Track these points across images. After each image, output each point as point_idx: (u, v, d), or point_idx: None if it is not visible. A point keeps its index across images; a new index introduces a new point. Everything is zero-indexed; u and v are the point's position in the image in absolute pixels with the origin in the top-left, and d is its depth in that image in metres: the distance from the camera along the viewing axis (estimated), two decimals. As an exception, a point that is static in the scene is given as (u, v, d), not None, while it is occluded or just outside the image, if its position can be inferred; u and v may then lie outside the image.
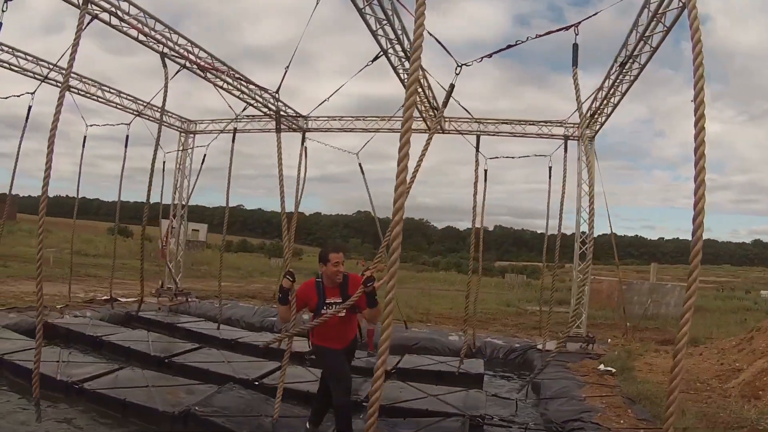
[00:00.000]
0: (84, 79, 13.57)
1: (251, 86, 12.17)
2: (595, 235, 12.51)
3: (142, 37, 9.87)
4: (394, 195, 2.53)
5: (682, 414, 7.50)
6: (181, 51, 10.66)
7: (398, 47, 9.20)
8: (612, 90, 11.01)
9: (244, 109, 12.91)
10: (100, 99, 14.08)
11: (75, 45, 5.51)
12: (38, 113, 12.27)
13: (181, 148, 16.98)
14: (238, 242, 70.51)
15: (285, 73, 8.40)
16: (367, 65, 9.18)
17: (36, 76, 12.19)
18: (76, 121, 14.19)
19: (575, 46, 6.63)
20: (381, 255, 5.61)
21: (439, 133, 13.96)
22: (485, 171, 12.26)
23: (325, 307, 5.61)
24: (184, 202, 17.52)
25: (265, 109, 13.64)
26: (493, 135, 14.11)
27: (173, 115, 16.74)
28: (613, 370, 10.39)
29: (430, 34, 8.34)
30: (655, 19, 8.05)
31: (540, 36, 7.07)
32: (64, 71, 12.36)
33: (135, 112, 14.50)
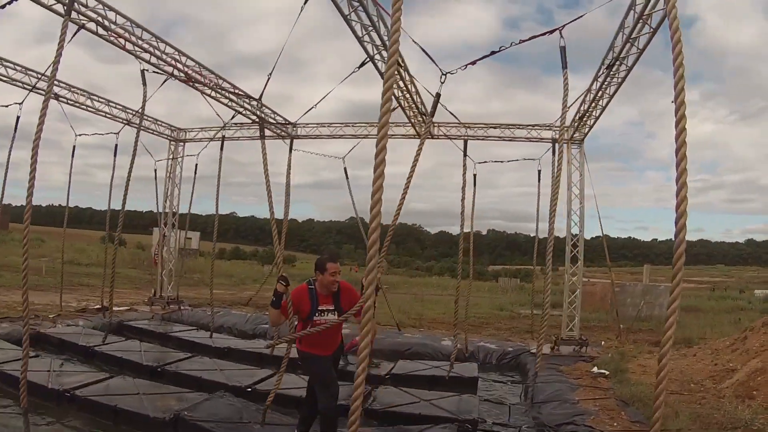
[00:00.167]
0: (72, 89, 13.53)
1: (239, 94, 12.14)
2: (589, 237, 12.61)
3: (129, 46, 9.85)
4: (371, 202, 2.52)
5: (676, 415, 7.50)
6: (169, 60, 10.65)
7: (385, 53, 9.19)
8: (600, 92, 11.02)
9: (233, 117, 12.91)
10: (89, 108, 14.04)
11: (58, 54, 5.49)
12: (28, 123, 12.24)
13: (170, 156, 16.94)
14: (231, 250, 70.43)
15: (267, 80, 8.43)
16: (354, 72, 9.17)
17: (25, 86, 12.17)
18: (67, 130, 14.32)
19: (563, 49, 6.64)
20: (381, 261, 5.62)
21: (428, 138, 13.98)
22: (474, 175, 12.28)
23: (317, 314, 5.62)
24: (174, 210, 17.48)
25: (253, 117, 13.63)
26: (481, 139, 14.14)
27: (163, 124, 16.73)
28: (607, 373, 10.37)
29: (415, 42, 8.39)
30: (641, 21, 8.07)
31: (523, 41, 7.08)
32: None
33: (124, 121, 14.48)
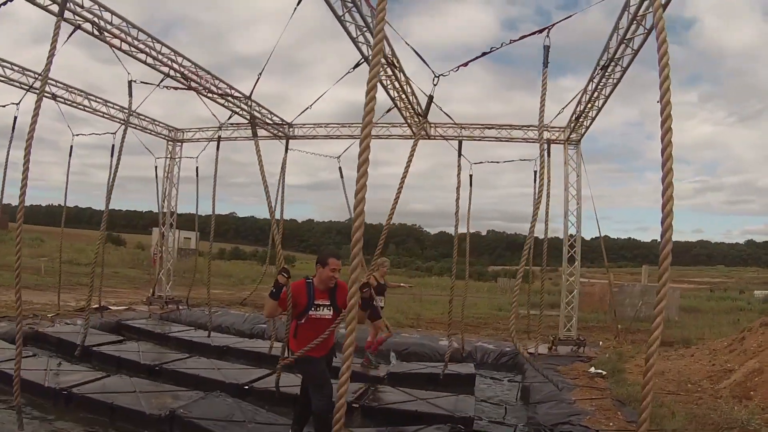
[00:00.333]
0: (70, 89, 13.54)
1: (234, 95, 12.17)
2: (589, 238, 12.63)
3: (125, 47, 9.87)
4: (354, 201, 2.53)
5: (672, 415, 7.51)
6: (165, 60, 10.68)
7: (381, 54, 9.19)
8: (595, 93, 11.02)
9: (230, 117, 12.93)
10: (86, 108, 14.07)
11: (51, 54, 5.50)
12: (26, 123, 12.20)
13: (168, 156, 16.97)
14: (230, 250, 70.42)
15: (258, 79, 8.46)
16: (349, 72, 9.16)
17: (22, 86, 12.18)
18: (66, 130, 14.23)
19: (546, 48, 6.65)
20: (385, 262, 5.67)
21: (423, 139, 14.01)
22: (470, 176, 12.28)
23: (313, 308, 5.69)
24: (173, 210, 17.52)
25: (250, 117, 13.66)
26: (477, 140, 14.15)
27: (160, 124, 16.77)
28: (604, 373, 10.37)
29: (408, 45, 8.40)
30: (635, 21, 8.09)
31: (513, 41, 7.09)
32: (49, 81, 12.48)
33: (121, 121, 14.48)
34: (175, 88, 10.98)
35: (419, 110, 12.00)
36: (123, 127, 10.25)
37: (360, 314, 5.82)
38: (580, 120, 12.59)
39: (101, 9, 9.26)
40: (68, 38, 8.86)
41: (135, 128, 15.60)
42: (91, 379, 8.12)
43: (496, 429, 7.82)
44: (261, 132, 15.41)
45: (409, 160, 7.24)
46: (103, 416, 7.04)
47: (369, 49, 9.11)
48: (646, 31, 8.14)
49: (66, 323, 12.78)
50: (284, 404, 7.70)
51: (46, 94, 12.35)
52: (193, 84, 11.27)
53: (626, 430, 7.24)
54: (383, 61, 9.42)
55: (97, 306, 14.71)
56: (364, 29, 8.56)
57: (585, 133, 13.36)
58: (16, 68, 12.03)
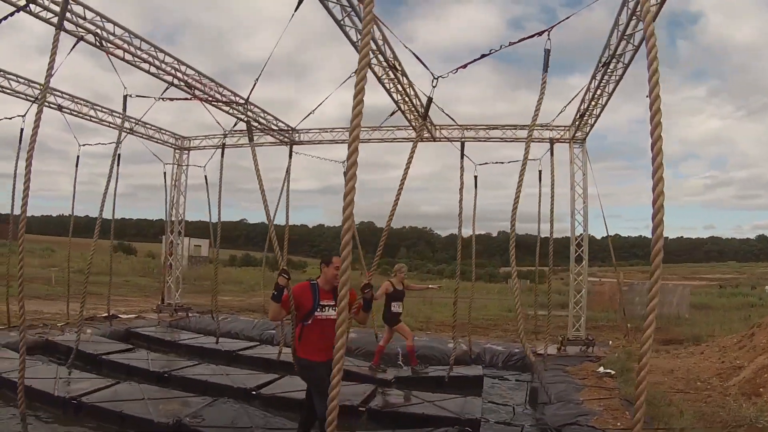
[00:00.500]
0: (75, 99, 13.64)
1: (239, 100, 12.22)
2: (600, 237, 12.59)
3: (128, 57, 9.95)
4: (343, 203, 2.55)
5: (680, 414, 7.47)
6: (168, 69, 10.76)
7: (381, 57, 9.22)
8: (599, 91, 10.99)
9: (235, 124, 12.96)
10: (93, 118, 14.16)
11: (50, 66, 5.57)
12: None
13: (175, 163, 17.06)
14: (241, 256, 70.47)
15: (254, 84, 8.52)
16: (351, 77, 9.17)
17: (28, 97, 12.28)
18: (74, 140, 14.22)
19: (547, 52, 6.62)
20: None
21: (425, 141, 14.02)
22: (475, 177, 12.26)
23: (319, 309, 5.71)
24: (180, 218, 17.61)
25: (255, 123, 13.71)
26: (481, 141, 14.15)
27: (166, 132, 16.88)
28: (613, 372, 10.32)
29: (406, 47, 8.41)
30: (634, 17, 8.05)
31: (513, 43, 7.09)
32: (55, 92, 12.59)
33: (126, 130, 14.56)
34: (172, 99, 11.02)
35: (422, 111, 12.03)
36: (123, 135, 10.29)
37: (362, 315, 5.98)
38: (585, 118, 12.55)
39: (103, 20, 9.35)
40: (71, 50, 8.97)
41: (141, 137, 15.79)
42: (100, 387, 8.18)
43: (503, 430, 7.79)
44: (266, 138, 15.49)
45: (409, 162, 7.25)
46: (113, 424, 7.09)
47: (370, 53, 9.11)
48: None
49: (75, 332, 12.84)
50: (291, 409, 7.72)
51: (51, 105, 12.69)
52: (196, 92, 11.34)
53: (634, 429, 7.19)
54: (384, 63, 9.46)
55: (106, 314, 14.83)
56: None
57: (590, 131, 13.32)
58: (21, 80, 12.12)
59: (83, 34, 8.98)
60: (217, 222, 12.71)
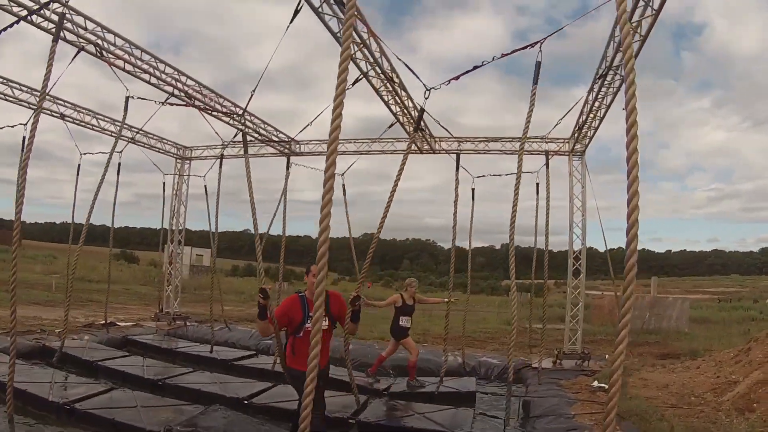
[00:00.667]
0: (78, 108, 13.76)
1: (239, 111, 12.32)
2: (602, 250, 12.57)
3: (129, 68, 10.07)
4: (320, 215, 2.61)
5: (671, 430, 7.47)
6: (168, 80, 10.89)
7: (378, 69, 9.31)
8: (597, 103, 11.01)
9: (235, 135, 13.03)
10: (95, 127, 14.28)
11: (47, 74, 5.71)
12: (40, 140, 12.45)
13: (176, 173, 17.20)
14: (243, 267, 70.46)
15: (251, 96, 8.59)
16: (348, 89, 9.22)
17: (31, 105, 12.40)
18: (82, 149, 14.30)
19: (538, 65, 6.67)
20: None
21: (425, 153, 14.11)
22: (473, 189, 12.34)
23: (309, 321, 5.74)
24: (180, 228, 17.72)
25: (255, 135, 13.83)
26: (481, 153, 14.22)
27: (168, 142, 17.00)
28: (607, 387, 10.27)
29: (399, 59, 8.50)
30: (630, 29, 8.08)
31: (505, 55, 7.12)
32: (58, 101, 12.72)
33: (126, 138, 14.66)
34: (172, 104, 11.12)
35: (423, 125, 12.13)
36: (124, 144, 10.38)
37: (350, 326, 6.06)
38: (583, 130, 12.60)
39: (104, 31, 9.48)
40: (72, 60, 9.11)
41: (143, 146, 15.90)
42: (94, 393, 8.26)
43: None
44: (267, 149, 15.59)
45: (399, 174, 7.34)
46: (105, 431, 7.15)
47: (367, 65, 9.23)
48: (642, 38, 8.15)
49: (73, 338, 12.93)
50: (282, 418, 7.76)
51: (54, 114, 12.81)
52: (196, 102, 11.44)
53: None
54: (382, 76, 9.54)
55: (104, 322, 14.91)
56: (361, 45, 8.66)
57: (589, 143, 13.36)
58: (24, 88, 12.25)
59: (84, 44, 9.11)
60: (215, 231, 12.74)
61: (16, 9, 7.96)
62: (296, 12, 7.31)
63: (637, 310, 22.05)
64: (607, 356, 14.17)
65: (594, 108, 11.30)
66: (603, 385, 10.41)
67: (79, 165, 14.19)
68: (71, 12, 8.67)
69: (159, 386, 9.61)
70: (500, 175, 12.69)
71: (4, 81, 12.03)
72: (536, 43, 6.47)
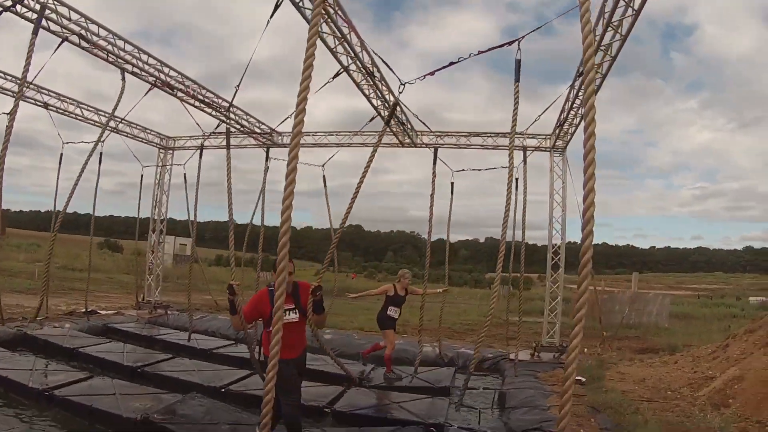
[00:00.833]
0: (62, 98, 13.71)
1: (223, 103, 12.33)
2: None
3: (111, 58, 10.05)
4: (282, 207, 2.66)
5: (645, 423, 7.57)
6: (151, 70, 10.87)
7: (359, 63, 9.34)
8: (577, 100, 11.06)
9: (217, 126, 13.03)
10: (78, 117, 14.23)
11: (26, 66, 5.75)
12: (27, 128, 12.39)
13: (159, 164, 17.16)
14: (227, 256, 70.28)
15: (236, 92, 8.60)
16: (328, 83, 9.26)
17: (14, 95, 12.30)
18: (66, 138, 14.20)
19: (518, 62, 6.72)
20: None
21: (406, 146, 14.17)
22: (452, 183, 12.46)
23: None
24: (162, 217, 17.72)
25: (237, 126, 13.83)
26: (462, 147, 14.30)
27: (152, 132, 16.96)
28: (583, 380, 10.41)
29: (375, 54, 8.55)
30: (610, 28, 8.15)
31: (482, 52, 7.19)
32: (42, 90, 12.67)
33: (111, 129, 14.60)
34: (165, 89, 11.10)
35: (404, 119, 12.19)
36: (107, 132, 10.33)
37: (315, 318, 5.99)
38: (564, 127, 12.69)
39: (87, 21, 9.47)
40: (55, 50, 9.15)
41: (126, 136, 15.87)
42: (74, 380, 8.35)
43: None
44: (248, 140, 15.59)
45: (367, 167, 7.40)
46: (82, 418, 7.22)
47: (348, 59, 9.27)
48: (622, 37, 8.22)
49: (54, 326, 12.96)
50: (259, 405, 7.79)
51: (37, 103, 12.75)
52: (179, 94, 11.44)
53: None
54: (363, 69, 9.57)
55: (85, 310, 14.90)
56: (342, 39, 8.69)
57: (570, 140, 13.45)
58: (8, 77, 12.16)
59: (68, 34, 9.09)
60: (194, 220, 12.69)
61: (-1, -1, 7.94)
62: (276, 6, 7.32)
63: (617, 304, 22.27)
64: (585, 350, 14.33)
65: (575, 105, 11.38)
66: (579, 377, 10.51)
67: (61, 154, 14.13)
68: (55, 2, 8.66)
69: (138, 373, 9.73)
70: (479, 170, 12.80)
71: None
72: (514, 41, 6.53)
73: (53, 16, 8.81)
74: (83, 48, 9.60)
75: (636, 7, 7.62)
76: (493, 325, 19.64)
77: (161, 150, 17.53)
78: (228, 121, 12.92)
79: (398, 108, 11.56)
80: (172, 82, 11.31)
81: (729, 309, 30.32)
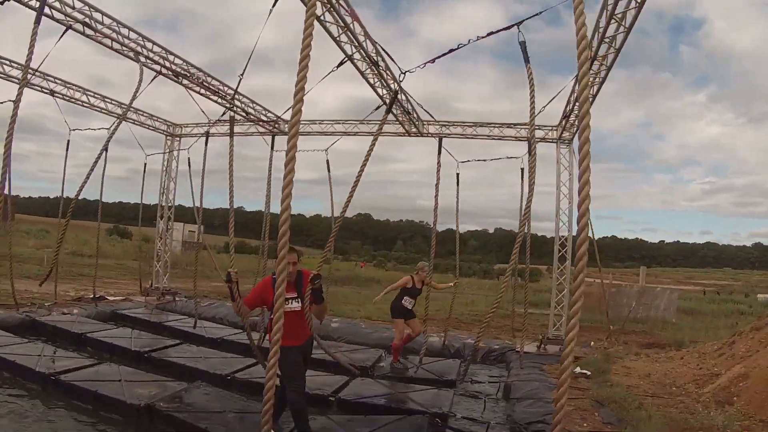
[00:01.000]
0: (68, 85, 13.73)
1: (229, 91, 12.31)
2: (597, 237, 12.56)
3: (116, 46, 10.04)
4: (282, 195, 2.65)
5: (648, 418, 7.53)
6: (156, 58, 10.87)
7: (363, 52, 9.28)
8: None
9: (223, 113, 13.01)
10: (85, 104, 14.26)
11: (29, 53, 5.77)
12: (34, 115, 12.45)
13: (166, 151, 17.20)
14: (236, 243, 70.51)
15: (240, 80, 8.58)
16: (332, 71, 9.22)
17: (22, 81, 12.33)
18: (75, 125, 14.23)
19: (522, 44, 6.66)
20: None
21: (412, 136, 14.13)
22: (457, 174, 12.44)
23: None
24: (170, 204, 17.77)
25: (243, 113, 13.82)
26: (468, 138, 14.22)
27: (158, 119, 17.02)
28: (589, 373, 10.40)
29: (376, 44, 8.46)
30: (613, 20, 8.05)
31: (481, 37, 7.16)
32: (48, 77, 12.69)
33: (117, 116, 14.63)
34: (172, 78, 11.08)
35: (409, 108, 12.12)
36: (112, 119, 10.33)
37: (315, 308, 5.94)
38: (570, 119, 12.61)
39: (91, 9, 9.47)
40: (60, 38, 9.19)
41: (133, 123, 15.89)
42: (80, 366, 8.41)
43: (470, 425, 7.85)
44: (255, 128, 15.58)
45: (368, 155, 7.34)
46: (87, 403, 7.26)
47: (352, 48, 9.21)
48: (626, 29, 8.13)
49: (62, 312, 13.05)
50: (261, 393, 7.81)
51: (44, 90, 12.78)
52: (184, 81, 11.42)
53: (601, 431, 7.27)
54: (367, 58, 9.51)
55: (93, 296, 14.99)
56: (345, 28, 8.63)
57: (577, 131, 13.34)
58: (14, 65, 12.16)
59: (71, 23, 9.09)
60: (200, 207, 12.66)
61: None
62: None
63: (625, 298, 22.19)
64: (592, 343, 14.30)
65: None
66: (585, 371, 10.51)
67: (68, 141, 14.18)
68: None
69: (145, 358, 9.79)
70: (484, 160, 12.74)
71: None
72: (513, 25, 6.52)
73: (56, 4, 8.82)
74: (87, 36, 9.59)
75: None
76: (499, 316, 19.73)
77: (168, 137, 17.59)
78: (232, 108, 12.90)
79: (404, 97, 11.52)
80: (178, 70, 11.29)
81: (737, 305, 30.19)
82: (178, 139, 17.61)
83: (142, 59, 10.37)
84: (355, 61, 9.59)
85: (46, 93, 13.03)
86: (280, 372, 6.11)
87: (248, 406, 7.31)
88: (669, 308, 22.38)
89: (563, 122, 13.02)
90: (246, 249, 64.67)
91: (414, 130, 13.78)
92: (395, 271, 57.65)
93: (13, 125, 5.63)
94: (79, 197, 8.57)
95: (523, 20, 6.40)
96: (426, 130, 14.33)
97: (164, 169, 17.53)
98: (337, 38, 8.81)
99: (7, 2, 8.12)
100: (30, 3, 8.28)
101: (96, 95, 14.51)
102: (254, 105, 14.59)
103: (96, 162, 8.07)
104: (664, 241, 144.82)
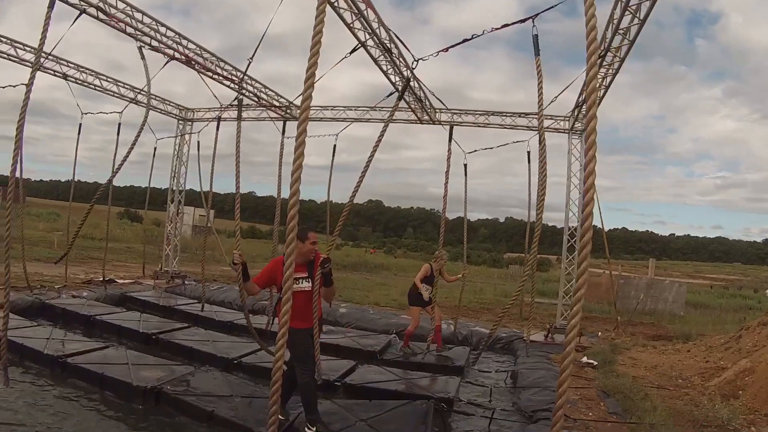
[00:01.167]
0: (81, 68, 13.80)
1: (234, 77, 12.34)
2: (606, 229, 12.53)
3: (130, 30, 10.07)
4: (291, 179, 2.67)
5: (653, 409, 7.55)
6: (169, 43, 10.89)
7: (376, 39, 9.26)
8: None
9: (235, 98, 13.02)
10: (97, 88, 14.34)
11: (42, 38, 5.84)
12: (47, 98, 12.49)
13: (178, 135, 17.26)
14: (246, 228, 70.83)
15: (249, 63, 8.60)
16: (345, 58, 9.20)
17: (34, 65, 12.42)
18: (89, 108, 14.24)
19: (535, 38, 6.65)
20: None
21: (424, 123, 14.12)
22: (465, 165, 12.39)
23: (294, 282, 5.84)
24: (181, 188, 17.86)
25: (255, 99, 13.83)
26: (480, 126, 14.23)
27: (171, 103, 17.09)
28: (595, 363, 10.43)
29: (389, 30, 8.42)
30: (627, 11, 8.00)
31: (496, 29, 7.14)
32: (61, 61, 12.74)
33: (131, 100, 14.70)
34: (186, 63, 11.09)
35: (420, 95, 12.10)
36: (125, 103, 10.38)
37: (324, 291, 5.97)
38: (582, 109, 12.55)
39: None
40: (73, 22, 9.23)
41: (145, 106, 15.86)
42: (89, 349, 8.45)
43: (475, 411, 7.85)
44: (266, 113, 15.60)
45: (378, 141, 7.35)
46: (94, 385, 7.30)
47: (365, 35, 9.19)
48: (640, 21, 8.08)
49: (72, 295, 13.13)
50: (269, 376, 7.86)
51: (57, 74, 12.84)
52: (196, 66, 11.44)
53: (605, 420, 7.29)
54: (380, 45, 9.50)
55: (102, 279, 15.11)
56: (358, 15, 8.62)
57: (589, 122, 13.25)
58: (28, 48, 12.24)
59: (85, 7, 9.11)
60: (209, 191, 12.69)
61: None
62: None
63: (633, 290, 22.19)
64: (599, 333, 14.31)
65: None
66: (592, 361, 10.54)
67: (80, 124, 14.21)
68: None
69: (153, 340, 9.90)
70: (491, 148, 12.72)
71: (9, 41, 12.05)
72: (527, 18, 6.50)
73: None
74: (101, 20, 9.61)
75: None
76: (507, 305, 19.74)
77: (180, 121, 17.65)
78: (241, 91, 12.92)
79: (416, 84, 11.49)
80: (191, 55, 11.32)
81: (745, 300, 30.20)
82: (190, 123, 17.67)
83: (155, 43, 10.40)
84: (368, 47, 9.57)
85: (59, 76, 13.11)
86: (291, 352, 6.16)
87: (256, 390, 7.38)
88: (677, 301, 22.37)
89: (575, 113, 12.96)
90: (257, 234, 64.92)
91: (426, 117, 13.77)
92: (404, 258, 57.71)
93: (25, 108, 5.67)
94: (90, 181, 8.59)
95: (538, 13, 6.38)
96: (438, 117, 14.32)
97: (176, 153, 17.60)
98: (351, 24, 8.79)
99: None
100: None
101: (108, 79, 14.58)
102: (266, 90, 14.61)
103: (133, 144, 8.11)
104: (674, 234, 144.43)
